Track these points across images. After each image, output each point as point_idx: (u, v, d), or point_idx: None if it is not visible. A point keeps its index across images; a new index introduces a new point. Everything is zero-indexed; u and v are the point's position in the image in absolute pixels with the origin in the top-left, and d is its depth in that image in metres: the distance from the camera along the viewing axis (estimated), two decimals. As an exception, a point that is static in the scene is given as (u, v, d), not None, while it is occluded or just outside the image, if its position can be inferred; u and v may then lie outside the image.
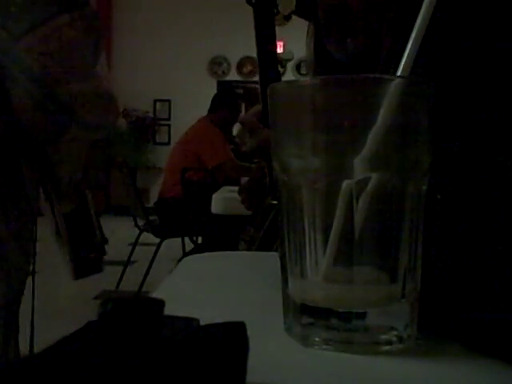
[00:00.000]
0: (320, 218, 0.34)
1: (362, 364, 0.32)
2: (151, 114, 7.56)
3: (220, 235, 2.33)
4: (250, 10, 0.67)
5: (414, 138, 0.34)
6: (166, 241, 3.38)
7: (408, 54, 0.33)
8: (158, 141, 7.55)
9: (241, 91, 5.54)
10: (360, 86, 0.33)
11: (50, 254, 1.01)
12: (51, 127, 0.72)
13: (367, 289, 0.34)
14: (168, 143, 7.10)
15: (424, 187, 0.34)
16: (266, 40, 0.68)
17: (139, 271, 3.36)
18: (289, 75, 7.03)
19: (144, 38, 7.32)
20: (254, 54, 0.69)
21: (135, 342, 0.21)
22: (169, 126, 7.55)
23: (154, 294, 0.47)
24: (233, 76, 7.51)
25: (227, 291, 0.50)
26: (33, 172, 0.78)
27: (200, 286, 0.52)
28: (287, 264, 0.36)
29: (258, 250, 0.83)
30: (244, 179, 3.21)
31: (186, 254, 2.95)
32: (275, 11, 0.66)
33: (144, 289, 3.21)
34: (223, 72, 7.60)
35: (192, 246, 3.31)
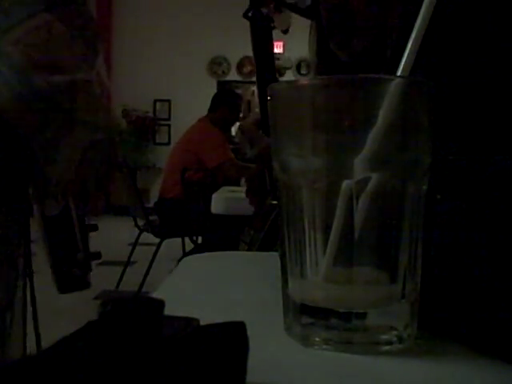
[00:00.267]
0: (320, 217, 0.34)
1: (362, 364, 0.32)
2: (151, 114, 7.56)
3: (220, 235, 2.33)
4: (250, 10, 0.67)
5: (414, 138, 0.34)
6: (165, 241, 3.38)
7: (408, 54, 0.33)
8: (157, 141, 7.55)
9: (240, 91, 5.54)
10: (360, 86, 0.33)
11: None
12: (40, 125, 0.69)
13: (367, 289, 0.34)
14: (168, 143, 7.09)
15: (424, 187, 0.34)
16: (263, 51, 0.68)
17: (139, 271, 3.36)
18: (289, 75, 7.03)
19: (144, 39, 7.32)
20: (253, 54, 0.69)
21: (135, 341, 0.21)
22: (169, 125, 7.54)
23: (154, 294, 0.47)
24: (233, 76, 7.51)
25: (227, 291, 0.50)
26: (22, 171, 0.75)
27: (200, 286, 0.52)
28: (287, 264, 0.36)
29: (258, 251, 0.83)
30: (243, 179, 3.21)
31: (185, 254, 2.95)
32: (272, 25, 0.66)
33: (144, 289, 3.21)
34: (223, 72, 7.60)
35: (192, 245, 3.31)
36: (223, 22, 6.87)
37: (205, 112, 3.66)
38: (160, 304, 0.24)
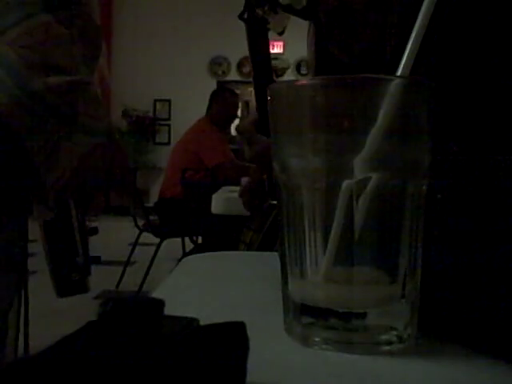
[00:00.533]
0: (320, 217, 0.34)
1: (362, 364, 0.32)
2: (151, 114, 7.56)
3: (220, 235, 2.33)
4: (250, 10, 0.67)
5: (414, 138, 0.34)
6: (165, 241, 3.38)
7: (408, 54, 0.33)
8: (157, 141, 7.55)
9: (239, 91, 5.55)
10: (360, 86, 0.33)
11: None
12: (37, 128, 0.68)
13: (367, 289, 0.34)
14: (168, 143, 7.10)
15: (424, 187, 0.34)
16: (259, 53, 0.68)
17: (139, 271, 3.36)
18: (289, 75, 7.03)
19: (144, 38, 7.32)
20: (254, 54, 0.69)
21: (135, 341, 0.21)
22: (169, 125, 7.55)
23: (154, 294, 0.47)
24: (233, 76, 7.51)
25: (227, 291, 0.50)
26: (21, 174, 0.73)
27: (200, 286, 0.52)
28: (287, 264, 0.36)
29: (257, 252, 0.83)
30: (244, 179, 3.21)
31: (185, 254, 2.95)
32: (268, 27, 0.66)
33: (144, 289, 3.21)
34: (223, 72, 7.61)
35: (192, 245, 3.31)
36: (223, 21, 6.86)
37: (204, 112, 3.66)
38: (160, 304, 0.24)
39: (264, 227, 0.87)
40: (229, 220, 2.14)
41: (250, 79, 0.74)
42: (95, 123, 0.74)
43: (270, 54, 0.69)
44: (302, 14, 0.58)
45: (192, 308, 0.32)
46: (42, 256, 0.86)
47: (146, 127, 7.43)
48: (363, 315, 0.33)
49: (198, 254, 0.71)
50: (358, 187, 0.32)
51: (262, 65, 0.69)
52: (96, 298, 3.08)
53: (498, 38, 0.37)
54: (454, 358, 0.33)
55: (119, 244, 4.69)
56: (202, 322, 0.25)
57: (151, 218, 3.43)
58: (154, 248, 3.32)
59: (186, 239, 3.48)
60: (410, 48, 0.33)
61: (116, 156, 0.83)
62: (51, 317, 2.20)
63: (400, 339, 0.34)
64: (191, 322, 0.25)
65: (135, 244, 3.58)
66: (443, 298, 0.35)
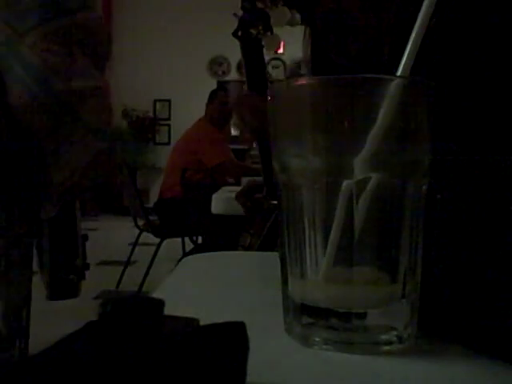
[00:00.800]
0: (320, 217, 0.34)
1: (361, 364, 0.32)
2: (151, 114, 7.56)
3: (220, 235, 2.33)
4: (250, 10, 0.67)
5: (413, 138, 0.34)
6: (166, 241, 3.38)
7: (408, 54, 0.33)
8: (157, 141, 7.55)
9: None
10: (360, 86, 0.33)
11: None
12: (53, 128, 0.71)
13: (367, 289, 0.34)
14: (168, 143, 7.10)
15: (424, 187, 0.34)
16: (254, 70, 0.69)
17: (139, 271, 3.36)
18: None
19: (144, 38, 7.32)
20: (254, 54, 0.69)
21: (135, 341, 0.21)
22: (169, 125, 7.55)
23: (154, 294, 0.47)
24: (233, 76, 7.51)
25: (227, 291, 0.50)
26: (33, 172, 0.77)
27: (200, 286, 0.52)
28: (287, 264, 0.36)
29: None
30: (244, 179, 3.21)
31: (185, 254, 2.95)
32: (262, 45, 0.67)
33: (144, 289, 3.21)
34: (223, 72, 7.61)
35: (192, 245, 3.31)
36: (223, 22, 6.86)
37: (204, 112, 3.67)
38: (160, 304, 0.24)
39: (262, 231, 0.87)
40: (229, 220, 2.14)
41: (250, 80, 0.74)
42: (104, 127, 0.77)
43: (265, 69, 0.70)
44: (300, 6, 0.58)
45: (192, 308, 0.32)
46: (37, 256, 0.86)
47: (146, 127, 7.43)
48: (363, 315, 0.33)
49: (197, 254, 0.71)
50: (358, 187, 0.32)
51: (256, 80, 0.70)
52: (96, 298, 3.08)
53: (497, 38, 0.37)
54: (454, 357, 0.33)
55: (119, 244, 4.69)
56: (202, 322, 0.25)
57: (151, 218, 3.43)
58: (154, 248, 3.32)
59: (186, 239, 3.48)
60: (410, 48, 0.33)
61: (112, 159, 0.85)
62: (51, 317, 2.20)
63: (400, 339, 0.34)
64: (191, 321, 0.25)
65: (135, 244, 3.58)
66: (443, 298, 0.35)
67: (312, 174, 0.33)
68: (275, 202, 0.39)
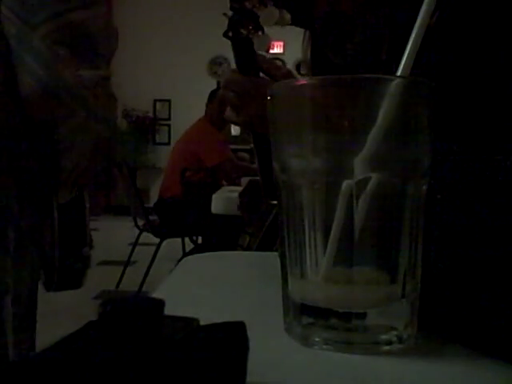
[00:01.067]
0: (320, 217, 0.34)
1: (361, 364, 0.32)
2: (151, 114, 7.56)
3: (220, 235, 2.33)
4: (250, 10, 0.67)
5: (414, 138, 0.34)
6: (166, 241, 3.38)
7: (408, 54, 0.33)
8: (157, 141, 7.55)
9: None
10: (360, 86, 0.33)
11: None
12: (63, 116, 0.75)
13: (367, 289, 0.34)
14: (168, 143, 7.10)
15: (424, 187, 0.34)
16: (247, 69, 0.69)
17: (139, 271, 3.36)
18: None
19: (144, 38, 7.32)
20: (254, 53, 0.69)
21: (135, 341, 0.21)
22: (169, 125, 7.55)
23: (154, 294, 0.47)
24: (233, 76, 7.50)
25: (227, 291, 0.50)
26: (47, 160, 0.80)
27: (200, 286, 0.52)
28: (287, 264, 0.36)
29: None
30: (244, 179, 3.21)
31: (185, 254, 2.95)
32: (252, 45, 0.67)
33: (144, 289, 3.21)
34: (223, 72, 7.60)
35: (192, 245, 3.31)
36: (223, 22, 6.86)
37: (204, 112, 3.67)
38: (160, 304, 0.24)
39: (261, 231, 0.87)
40: (229, 220, 2.14)
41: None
42: (109, 115, 0.80)
43: (257, 68, 0.70)
44: (301, 23, 0.58)
45: (192, 308, 0.32)
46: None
47: (146, 127, 7.43)
48: (363, 315, 0.33)
49: (197, 254, 0.72)
50: (358, 187, 0.32)
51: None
52: (96, 298, 3.08)
53: (497, 39, 0.37)
54: (454, 358, 0.33)
55: (119, 244, 4.69)
56: (202, 322, 0.25)
57: (151, 218, 3.43)
58: (154, 248, 3.32)
59: (186, 239, 3.48)
60: (410, 48, 0.33)
61: (112, 151, 0.90)
62: (51, 317, 2.20)
63: (400, 339, 0.34)
64: (191, 322, 0.25)
65: (135, 244, 3.58)
66: (443, 297, 0.35)
67: (312, 173, 0.33)
68: (274, 202, 0.39)
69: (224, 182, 3.42)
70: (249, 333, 0.25)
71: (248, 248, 0.89)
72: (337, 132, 0.33)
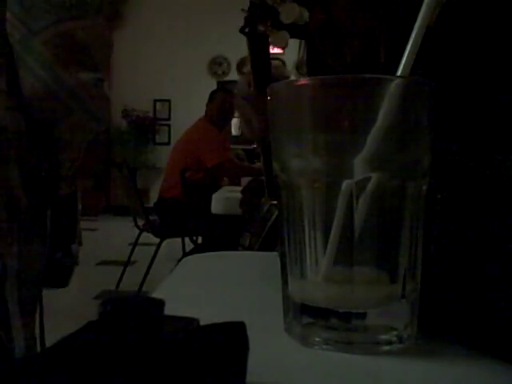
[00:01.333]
0: (320, 217, 0.34)
1: (361, 364, 0.32)
2: (151, 114, 7.56)
3: (220, 235, 2.33)
4: (250, 9, 0.67)
5: (414, 138, 0.34)
6: (165, 241, 3.37)
7: (408, 54, 0.33)
8: (157, 141, 7.55)
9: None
10: (360, 85, 0.33)
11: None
12: (62, 114, 0.80)
13: (367, 289, 0.34)
14: (168, 143, 7.10)
15: (424, 187, 0.34)
16: (261, 66, 0.69)
17: (139, 271, 3.36)
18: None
19: (144, 38, 7.32)
20: (254, 54, 0.69)
21: (135, 341, 0.21)
22: (169, 125, 7.55)
23: (154, 294, 0.47)
24: (233, 76, 7.50)
25: (227, 291, 0.50)
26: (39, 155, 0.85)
27: (200, 286, 0.52)
28: (287, 264, 0.36)
29: None
30: (244, 179, 3.21)
31: (185, 254, 2.95)
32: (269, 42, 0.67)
33: (144, 289, 3.21)
34: (223, 72, 7.60)
35: (192, 245, 3.31)
36: (223, 22, 6.86)
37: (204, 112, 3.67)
38: (160, 304, 0.24)
39: (263, 231, 0.87)
40: (229, 220, 2.14)
41: (250, 80, 0.74)
42: (102, 114, 0.86)
43: (270, 66, 0.70)
44: (298, 34, 0.59)
45: (192, 308, 0.32)
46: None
47: (146, 127, 7.43)
48: (363, 315, 0.33)
49: (197, 254, 0.71)
50: (358, 187, 0.32)
51: (263, 76, 0.70)
52: (96, 298, 3.08)
53: (497, 39, 0.37)
54: (454, 357, 0.33)
55: (119, 244, 4.69)
56: (202, 322, 0.25)
57: (151, 218, 3.43)
58: (154, 248, 3.32)
59: (186, 239, 3.48)
60: (410, 48, 0.33)
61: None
62: (51, 317, 2.20)
63: (400, 339, 0.34)
64: (191, 321, 0.25)
65: (135, 244, 3.58)
66: (443, 297, 0.35)
67: (312, 173, 0.33)
68: (275, 202, 0.39)
69: (225, 179, 3.42)
70: (249, 333, 0.25)
71: (249, 248, 0.89)
72: (337, 132, 0.33)
